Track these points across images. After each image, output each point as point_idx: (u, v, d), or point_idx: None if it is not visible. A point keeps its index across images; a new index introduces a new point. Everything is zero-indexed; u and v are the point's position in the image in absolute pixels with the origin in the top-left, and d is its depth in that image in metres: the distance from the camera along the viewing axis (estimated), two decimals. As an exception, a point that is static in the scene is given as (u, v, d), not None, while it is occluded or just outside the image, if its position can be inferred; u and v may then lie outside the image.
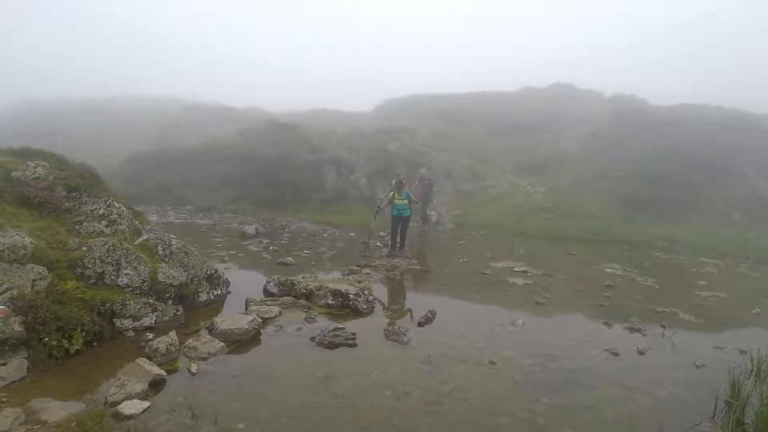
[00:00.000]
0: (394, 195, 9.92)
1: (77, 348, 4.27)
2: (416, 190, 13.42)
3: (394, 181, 12.31)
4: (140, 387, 3.60)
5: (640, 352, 5.10)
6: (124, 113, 33.52)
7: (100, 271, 5.20)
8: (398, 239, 10.20)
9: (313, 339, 4.94)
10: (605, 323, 6.07)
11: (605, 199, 17.97)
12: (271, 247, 10.36)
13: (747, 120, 23.16)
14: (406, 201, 9.90)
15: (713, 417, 3.80)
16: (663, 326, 5.94)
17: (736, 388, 3.95)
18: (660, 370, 4.69)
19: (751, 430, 3.52)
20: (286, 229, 13.31)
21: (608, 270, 9.47)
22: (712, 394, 4.02)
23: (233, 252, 9.70)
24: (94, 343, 4.50)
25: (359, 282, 7.12)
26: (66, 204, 6.14)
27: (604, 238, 13.73)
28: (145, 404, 3.42)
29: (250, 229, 11.93)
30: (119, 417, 3.28)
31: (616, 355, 4.99)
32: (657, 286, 8.33)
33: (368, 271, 8.36)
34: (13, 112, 35.08)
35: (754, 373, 4.48)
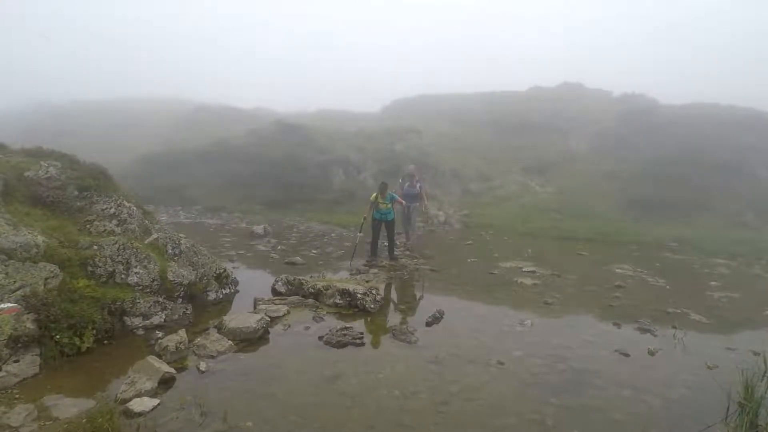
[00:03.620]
0: (377, 197, 9.24)
1: (88, 346, 4.31)
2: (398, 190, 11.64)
3: (401, 178, 12.02)
4: (150, 385, 3.63)
5: (651, 353, 5.04)
6: (134, 114, 33.91)
7: (110, 269, 5.26)
8: (386, 244, 9.49)
9: (321, 338, 4.95)
10: (615, 324, 6.00)
11: (614, 199, 17.83)
12: (279, 247, 10.40)
13: (760, 119, 22.81)
14: (389, 205, 9.28)
15: (725, 419, 3.74)
16: (674, 327, 5.86)
17: (749, 390, 3.89)
18: (671, 372, 4.63)
19: (764, 432, 3.45)
20: (294, 229, 13.36)
21: (618, 270, 9.37)
22: (724, 396, 3.95)
23: (242, 251, 9.76)
24: (105, 341, 4.55)
25: (367, 282, 7.12)
26: (78, 203, 6.22)
27: (613, 238, 13.61)
28: (155, 402, 3.45)
29: (259, 229, 11.99)
30: (129, 414, 3.31)
31: (626, 355, 4.93)
32: (668, 287, 8.23)
33: (376, 270, 8.36)
34: (25, 112, 35.66)
35: (767, 374, 4.40)
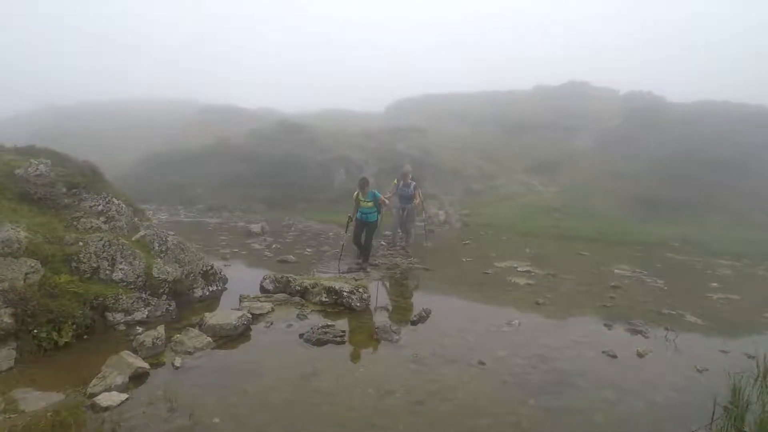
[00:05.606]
0: (358, 195, 8.44)
1: (66, 340, 4.30)
2: (391, 189, 10.72)
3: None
4: (120, 379, 3.61)
5: (640, 355, 4.91)
6: (141, 115, 34.26)
7: (95, 266, 5.26)
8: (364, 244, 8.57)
9: (302, 336, 4.89)
10: (606, 324, 5.87)
11: (619, 198, 17.56)
12: (274, 245, 10.38)
13: (769, 117, 22.32)
14: (371, 203, 8.40)
15: (710, 424, 3.61)
16: (667, 329, 5.72)
17: (737, 394, 3.76)
18: (659, 374, 4.50)
19: (749, 437, 3.33)
20: (292, 228, 13.35)
21: (616, 271, 9.20)
22: (711, 400, 3.84)
23: (236, 249, 9.75)
24: (85, 336, 4.54)
25: (356, 280, 7.06)
26: (66, 200, 6.25)
27: (616, 238, 13.39)
28: (123, 396, 3.42)
29: (256, 228, 12.00)
30: (96, 408, 3.28)
31: (614, 357, 4.81)
32: (666, 288, 8.05)
33: (369, 269, 8.29)
34: (34, 114, 36.23)
35: (759, 378, 4.25)
